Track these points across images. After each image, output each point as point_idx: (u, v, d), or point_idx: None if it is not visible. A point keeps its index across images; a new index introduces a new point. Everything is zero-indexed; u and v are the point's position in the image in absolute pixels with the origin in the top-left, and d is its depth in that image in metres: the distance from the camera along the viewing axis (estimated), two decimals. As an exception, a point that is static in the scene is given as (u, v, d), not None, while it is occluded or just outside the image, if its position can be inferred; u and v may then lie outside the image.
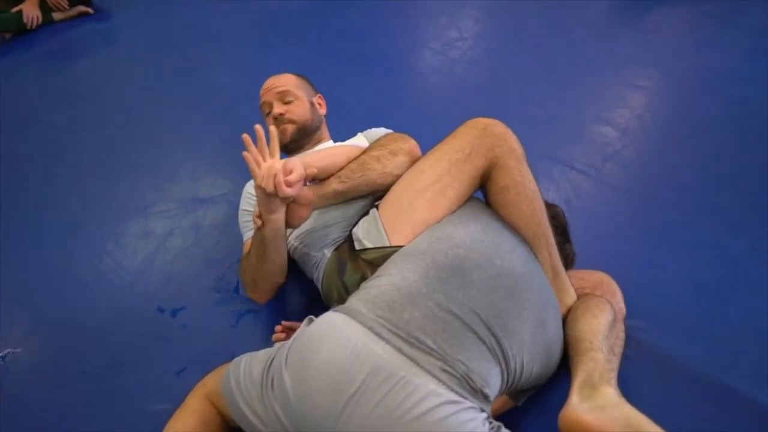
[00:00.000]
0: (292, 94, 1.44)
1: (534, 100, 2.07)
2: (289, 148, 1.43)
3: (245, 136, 1.07)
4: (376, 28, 2.66)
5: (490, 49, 2.46)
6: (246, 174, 1.44)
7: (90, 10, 2.93)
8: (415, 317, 0.81)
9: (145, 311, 1.37)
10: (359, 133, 1.51)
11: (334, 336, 0.81)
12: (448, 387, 0.77)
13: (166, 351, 1.29)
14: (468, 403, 0.77)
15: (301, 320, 1.26)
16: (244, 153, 1.05)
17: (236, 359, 1.02)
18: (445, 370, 0.78)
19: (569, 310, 1.08)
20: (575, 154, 1.80)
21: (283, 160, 1.03)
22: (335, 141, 1.51)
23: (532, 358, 0.90)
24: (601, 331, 0.99)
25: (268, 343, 1.25)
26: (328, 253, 1.16)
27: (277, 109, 1.41)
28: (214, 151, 1.91)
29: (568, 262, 1.20)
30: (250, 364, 0.96)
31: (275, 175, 0.97)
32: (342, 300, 1.07)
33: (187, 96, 2.23)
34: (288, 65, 2.30)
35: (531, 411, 1.07)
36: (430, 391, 0.75)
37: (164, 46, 2.58)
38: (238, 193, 1.45)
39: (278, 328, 1.24)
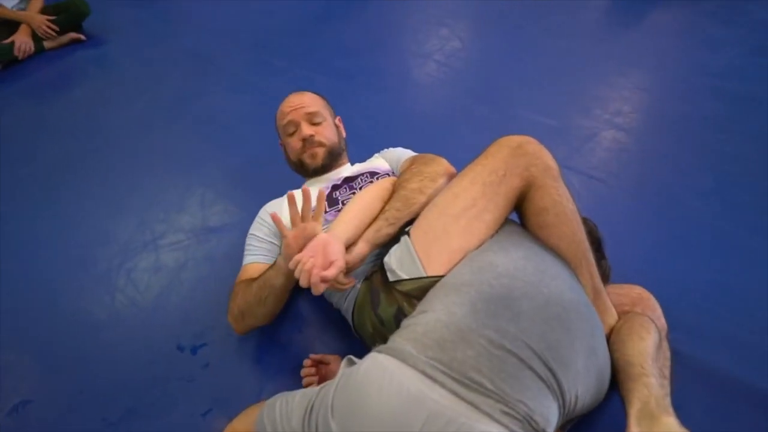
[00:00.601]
0: (320, 115, 1.40)
1: (542, 108, 2.05)
2: (315, 172, 1.39)
3: (290, 194, 1.04)
4: (374, 43, 2.64)
5: (493, 58, 2.44)
6: (259, 201, 1.42)
7: (82, 37, 2.87)
8: (469, 356, 0.77)
9: (163, 350, 1.32)
10: (376, 154, 1.48)
11: (385, 381, 0.76)
12: (511, 431, 0.72)
13: (189, 392, 1.23)
14: (533, 446, 0.73)
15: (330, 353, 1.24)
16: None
17: (269, 402, 0.97)
18: (506, 413, 0.73)
19: (611, 331, 1.04)
20: (592, 162, 1.78)
21: (323, 238, 1.02)
22: (351, 163, 1.47)
23: (586, 388, 0.86)
24: (650, 354, 0.95)
25: (297, 378, 1.21)
26: (357, 284, 1.11)
27: (307, 130, 1.37)
28: (221, 178, 1.86)
29: (605, 278, 1.17)
30: (286, 408, 0.91)
31: (311, 272, 0.95)
32: (379, 334, 1.03)
33: (188, 121, 2.18)
34: (289, 85, 2.27)
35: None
36: (494, 437, 0.70)
37: (160, 72, 2.53)
38: (251, 220, 1.40)
39: (307, 362, 1.20)
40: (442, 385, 0.75)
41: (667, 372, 0.98)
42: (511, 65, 2.35)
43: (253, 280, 1.19)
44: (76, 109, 2.35)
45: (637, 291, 1.15)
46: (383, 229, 1.09)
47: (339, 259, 0.99)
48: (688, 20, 2.55)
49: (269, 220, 1.31)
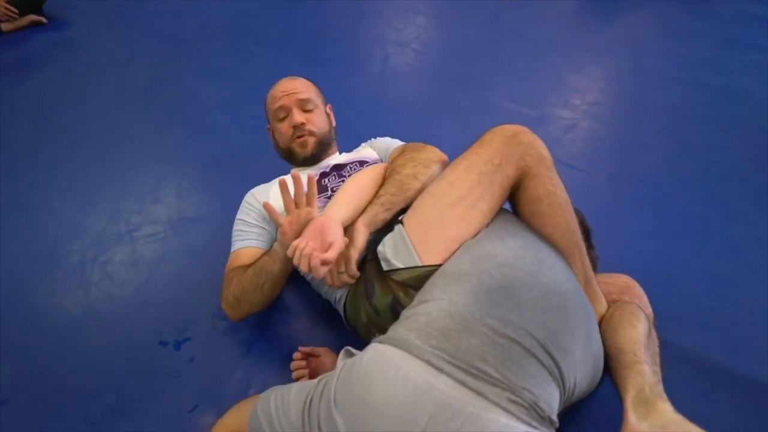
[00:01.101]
0: (313, 102, 1.37)
1: (521, 98, 2.07)
2: (305, 162, 1.36)
3: (281, 180, 1.01)
4: (351, 29, 2.61)
5: (472, 47, 2.44)
6: (237, 190, 1.38)
7: (42, 20, 2.74)
8: (473, 345, 0.76)
9: (145, 346, 1.27)
10: (363, 144, 1.46)
11: (390, 372, 0.75)
12: (519, 418, 0.72)
13: (174, 388, 1.19)
14: (539, 434, 0.73)
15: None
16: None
17: (262, 396, 0.95)
18: (513, 401, 0.73)
19: (602, 319, 1.05)
20: (572, 152, 1.80)
21: (320, 221, 1.00)
22: (339, 152, 1.45)
23: (583, 376, 0.87)
24: (642, 341, 0.97)
25: (286, 371, 1.18)
26: (350, 274, 1.10)
27: (298, 117, 1.33)
28: (197, 166, 1.81)
29: (593, 268, 1.18)
30: (282, 402, 0.89)
31: (310, 257, 0.93)
32: (374, 324, 1.02)
33: (160, 109, 2.11)
34: (264, 71, 2.23)
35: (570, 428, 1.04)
36: (503, 425, 0.70)
37: (129, 56, 2.43)
38: (230, 209, 1.35)
39: (297, 355, 1.18)
40: (448, 375, 0.74)
41: (657, 359, 1.00)
42: (490, 54, 2.36)
43: (248, 266, 1.16)
44: (39, 95, 2.23)
45: (623, 279, 1.18)
46: (380, 214, 1.08)
47: (338, 239, 0.97)
48: (662, 12, 2.60)
49: (257, 204, 1.28)
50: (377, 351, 0.79)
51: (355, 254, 1.03)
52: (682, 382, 1.15)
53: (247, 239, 1.26)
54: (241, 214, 1.31)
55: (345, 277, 1.04)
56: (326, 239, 0.96)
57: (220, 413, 1.04)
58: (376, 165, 1.20)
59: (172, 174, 1.78)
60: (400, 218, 1.04)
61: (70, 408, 1.15)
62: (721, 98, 2.03)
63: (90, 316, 1.34)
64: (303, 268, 0.93)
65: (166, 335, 1.29)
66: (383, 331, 0.94)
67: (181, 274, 1.44)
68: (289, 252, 0.96)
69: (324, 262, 0.93)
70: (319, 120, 1.37)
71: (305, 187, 1.05)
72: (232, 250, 1.27)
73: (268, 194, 1.30)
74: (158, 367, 1.23)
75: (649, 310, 1.13)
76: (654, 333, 1.08)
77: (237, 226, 1.29)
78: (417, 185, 1.10)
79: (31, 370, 1.23)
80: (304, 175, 1.10)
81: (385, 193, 1.11)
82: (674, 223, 1.54)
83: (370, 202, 1.11)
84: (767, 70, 2.19)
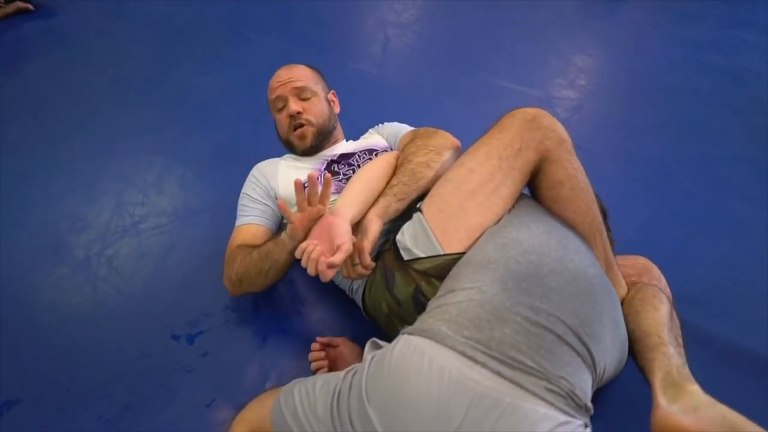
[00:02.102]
0: (310, 90, 1.33)
1: (526, 79, 2.05)
2: (306, 153, 1.33)
3: (297, 181, 0.99)
4: (350, 12, 2.56)
5: (474, 30, 2.40)
6: (241, 179, 1.35)
7: (30, 7, 2.65)
8: (507, 335, 0.75)
9: (157, 341, 1.25)
10: (370, 130, 1.43)
11: (424, 364, 0.74)
12: (557, 408, 0.71)
13: (189, 383, 1.17)
14: (578, 421, 0.72)
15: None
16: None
17: (285, 389, 0.93)
18: (550, 390, 0.72)
19: (623, 302, 1.04)
20: (580, 134, 1.78)
21: (328, 220, 1.00)
22: (346, 139, 1.42)
23: (611, 361, 0.86)
24: (665, 323, 0.96)
25: (302, 363, 1.17)
26: (367, 263, 1.08)
27: (294, 106, 1.30)
28: (201, 157, 1.77)
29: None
30: (307, 396, 0.87)
31: (317, 262, 0.92)
32: (396, 315, 1.00)
33: (159, 98, 2.06)
34: (266, 59, 2.19)
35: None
36: (542, 415, 0.69)
37: (124, 45, 2.37)
38: (235, 199, 1.32)
39: (315, 346, 1.16)
40: (483, 366, 0.73)
41: (680, 340, 0.99)
42: (492, 36, 2.33)
43: (252, 247, 1.15)
44: (30, 86, 2.16)
45: (641, 261, 1.17)
46: (393, 204, 1.06)
47: (346, 242, 0.96)
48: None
49: (263, 180, 1.29)
50: (408, 343, 0.78)
51: (368, 246, 1.02)
52: (697, 363, 1.15)
53: (250, 215, 1.25)
54: (246, 188, 1.31)
55: (360, 269, 1.02)
56: (334, 241, 0.96)
57: (238, 407, 1.03)
58: (387, 154, 1.17)
59: (174, 165, 1.74)
60: (418, 206, 1.02)
61: (83, 407, 1.13)
62: (726, 79, 2.02)
63: (99, 312, 1.32)
64: (310, 271, 0.92)
65: (178, 329, 1.27)
66: (405, 322, 0.92)
67: (190, 266, 1.42)
68: (297, 254, 0.95)
69: (331, 266, 0.92)
70: (317, 108, 1.33)
71: (320, 188, 1.03)
72: (236, 224, 1.26)
73: (276, 170, 1.30)
74: (172, 362, 1.21)
75: (668, 291, 1.12)
76: (675, 314, 1.08)
77: (242, 200, 1.29)
78: (430, 173, 1.09)
79: (42, 369, 1.20)
80: (307, 169, 1.08)
81: (397, 182, 1.09)
82: (682, 205, 1.54)
83: (382, 193, 1.09)
84: (771, 49, 2.18)
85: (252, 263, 1.13)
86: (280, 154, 1.41)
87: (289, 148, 1.38)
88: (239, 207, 1.28)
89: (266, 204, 1.27)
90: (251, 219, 1.24)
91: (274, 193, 1.27)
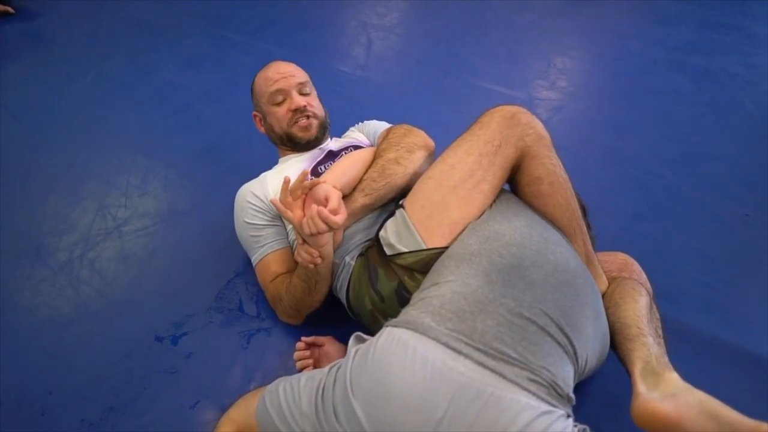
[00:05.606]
0: (309, 86, 1.34)
1: (508, 81, 2.07)
2: (307, 146, 1.33)
3: (286, 178, 0.99)
4: (333, 14, 2.56)
5: (457, 31, 2.42)
6: (226, 180, 1.34)
7: (9, 9, 2.61)
8: (489, 326, 0.76)
9: (141, 343, 1.24)
10: (352, 128, 1.44)
11: (407, 356, 0.74)
12: (539, 397, 0.72)
13: (174, 384, 1.16)
14: (560, 411, 0.73)
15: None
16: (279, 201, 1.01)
17: (269, 388, 0.93)
18: (532, 380, 0.73)
19: (604, 297, 1.06)
20: (561, 133, 1.80)
21: (308, 181, 0.99)
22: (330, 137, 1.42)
23: (593, 353, 0.87)
24: (644, 315, 0.98)
25: (287, 363, 1.17)
26: (350, 260, 1.08)
27: (300, 100, 1.29)
28: (184, 158, 1.76)
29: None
30: (292, 392, 0.87)
31: (319, 213, 0.92)
32: (379, 310, 1.01)
33: (142, 99, 2.04)
34: (249, 59, 2.19)
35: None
36: (524, 405, 0.70)
37: (106, 46, 2.35)
38: (219, 200, 1.32)
39: (300, 345, 1.16)
40: (467, 357, 0.73)
41: (660, 332, 1.01)
42: (474, 38, 2.35)
43: (287, 274, 1.17)
44: (11, 89, 2.14)
45: (621, 257, 1.19)
46: (359, 199, 1.08)
47: (330, 191, 0.98)
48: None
49: (261, 204, 1.23)
50: (392, 335, 0.78)
51: (338, 236, 1.06)
52: (678, 357, 1.17)
53: (266, 243, 1.22)
54: (246, 217, 1.23)
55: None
56: (320, 196, 0.97)
57: (223, 408, 1.02)
58: (366, 150, 1.18)
59: (158, 166, 1.73)
60: (400, 202, 1.03)
61: (66, 410, 1.12)
62: (704, 80, 2.06)
63: (82, 315, 1.30)
64: (321, 228, 0.92)
65: (162, 331, 1.26)
66: (389, 317, 0.93)
67: (173, 268, 1.41)
68: (300, 230, 0.97)
69: (333, 212, 0.93)
70: (317, 104, 1.35)
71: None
72: (254, 258, 1.23)
73: (266, 187, 1.24)
74: (156, 363, 1.20)
75: (648, 285, 1.14)
76: (655, 307, 1.10)
77: (248, 232, 1.23)
78: (399, 170, 1.10)
79: (24, 373, 1.19)
80: (295, 166, 1.09)
81: (366, 178, 1.10)
82: (663, 203, 1.57)
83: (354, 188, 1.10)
84: (747, 51, 2.23)
85: (298, 290, 1.12)
86: (264, 153, 1.40)
87: (285, 141, 1.33)
88: (247, 239, 1.23)
89: (274, 225, 1.23)
90: (269, 247, 1.21)
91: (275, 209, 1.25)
